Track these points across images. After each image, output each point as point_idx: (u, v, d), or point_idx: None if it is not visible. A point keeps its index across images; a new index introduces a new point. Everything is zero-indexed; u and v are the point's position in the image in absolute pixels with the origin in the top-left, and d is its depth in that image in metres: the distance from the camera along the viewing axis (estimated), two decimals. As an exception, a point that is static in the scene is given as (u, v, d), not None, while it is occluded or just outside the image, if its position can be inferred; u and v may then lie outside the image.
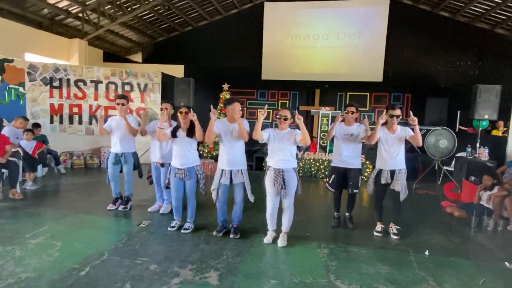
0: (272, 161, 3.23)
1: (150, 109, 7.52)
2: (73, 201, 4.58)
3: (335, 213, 3.98)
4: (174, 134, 3.44)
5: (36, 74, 7.07)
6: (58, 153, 6.62)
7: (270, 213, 3.28)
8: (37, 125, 6.32)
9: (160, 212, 4.16)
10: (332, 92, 10.34)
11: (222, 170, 3.35)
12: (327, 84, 10.25)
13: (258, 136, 3.12)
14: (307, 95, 10.60)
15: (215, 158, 6.90)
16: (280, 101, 10.76)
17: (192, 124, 3.42)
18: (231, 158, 3.31)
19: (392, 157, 3.52)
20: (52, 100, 7.22)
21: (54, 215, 3.93)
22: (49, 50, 8.41)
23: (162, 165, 4.02)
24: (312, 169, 6.90)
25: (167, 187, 3.64)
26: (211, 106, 3.35)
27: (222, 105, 7.30)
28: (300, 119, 3.05)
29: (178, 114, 3.42)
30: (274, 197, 3.20)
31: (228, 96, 7.43)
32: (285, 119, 3.15)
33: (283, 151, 3.18)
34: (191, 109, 3.48)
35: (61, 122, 7.31)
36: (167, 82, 7.72)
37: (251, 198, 3.35)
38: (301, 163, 6.80)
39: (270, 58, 10.65)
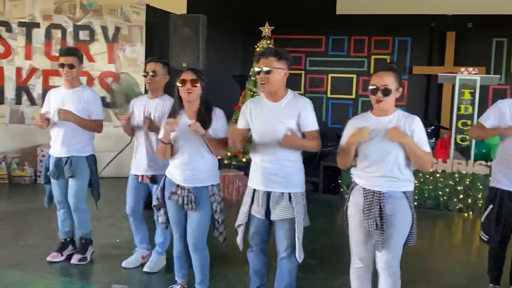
0: (362, 175, 3.22)
1: (125, 74, 7.73)
2: (-11, 244, 4.82)
3: (490, 284, 3.98)
4: None
5: None
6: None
7: (355, 276, 3.29)
8: None
9: (145, 269, 4.23)
10: (481, 37, 10.23)
11: (254, 190, 3.40)
12: (471, 23, 10.12)
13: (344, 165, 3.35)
14: (430, 43, 10.60)
15: (247, 169, 6.93)
16: (372, 57, 10.80)
17: (206, 105, 3.48)
18: (269, 166, 3.32)
19: None
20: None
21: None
22: None
23: (153, 179, 4.09)
24: (440, 192, 6.83)
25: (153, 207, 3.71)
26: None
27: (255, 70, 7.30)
28: (397, 135, 3.03)
29: (178, 84, 3.43)
30: (362, 243, 3.21)
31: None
32: (386, 93, 3.10)
33: (386, 157, 3.13)
34: (202, 76, 3.49)
35: (-32, 100, 7.76)
36: (157, 23, 7.89)
37: (299, 255, 3.33)
38: (416, 181, 6.67)
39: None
